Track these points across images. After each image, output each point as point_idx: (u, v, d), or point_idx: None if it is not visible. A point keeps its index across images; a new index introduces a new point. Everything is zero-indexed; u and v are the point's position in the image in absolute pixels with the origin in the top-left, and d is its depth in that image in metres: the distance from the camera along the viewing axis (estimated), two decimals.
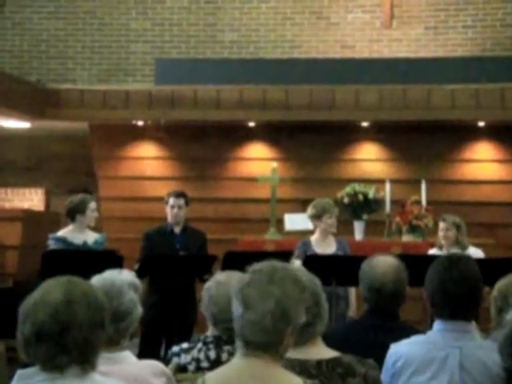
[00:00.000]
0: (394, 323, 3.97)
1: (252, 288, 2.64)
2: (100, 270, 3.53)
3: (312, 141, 10.89)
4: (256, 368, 2.64)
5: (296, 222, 9.21)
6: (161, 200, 7.89)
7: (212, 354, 3.99)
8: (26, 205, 12.39)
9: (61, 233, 7.49)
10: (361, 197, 9.51)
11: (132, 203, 10.82)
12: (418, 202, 9.49)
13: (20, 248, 10.09)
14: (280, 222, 9.55)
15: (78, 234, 7.41)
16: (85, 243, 7.39)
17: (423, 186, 9.50)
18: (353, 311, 7.28)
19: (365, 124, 10.77)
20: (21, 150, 12.31)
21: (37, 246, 8.48)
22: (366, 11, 12.27)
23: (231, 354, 3.84)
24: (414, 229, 9.35)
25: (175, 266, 7.18)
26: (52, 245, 7.33)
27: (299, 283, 2.72)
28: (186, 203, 7.71)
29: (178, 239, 7.58)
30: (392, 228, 9.49)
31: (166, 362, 4.00)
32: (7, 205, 12.47)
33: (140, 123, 11.00)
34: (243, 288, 2.66)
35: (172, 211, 7.60)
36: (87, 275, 3.43)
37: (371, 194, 9.55)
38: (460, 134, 10.70)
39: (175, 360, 4.05)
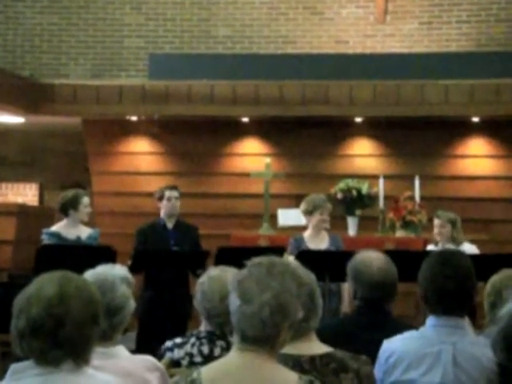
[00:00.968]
0: (386, 319, 3.97)
1: (251, 281, 2.64)
2: (93, 265, 3.53)
3: (305, 136, 10.89)
4: (252, 362, 2.64)
5: (289, 217, 9.21)
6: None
7: (205, 349, 3.99)
8: (20, 200, 12.38)
9: (54, 228, 7.49)
10: (354, 192, 9.52)
11: (126, 198, 10.81)
12: (412, 198, 9.50)
13: (14, 243, 10.08)
14: (273, 218, 9.55)
15: (72, 229, 7.42)
16: (78, 238, 7.39)
17: (417, 182, 9.50)
18: (346, 307, 7.27)
19: (358, 119, 10.77)
20: (14, 145, 12.30)
21: (31, 240, 8.48)
22: (359, 6, 12.26)
23: (224, 349, 3.84)
24: (407, 224, 9.36)
25: (168, 261, 7.20)
26: (46, 240, 7.33)
27: (298, 279, 2.72)
28: (179, 195, 7.77)
29: (171, 234, 7.60)
30: (385, 224, 9.49)
31: (160, 356, 4.00)
32: (1, 199, 12.46)
33: (134, 118, 10.99)
34: (242, 281, 2.66)
35: (169, 203, 7.63)
36: (81, 270, 3.43)
37: (365, 189, 9.56)
38: (454, 129, 10.71)
39: (168, 355, 4.05)
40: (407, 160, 10.82)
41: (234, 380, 2.61)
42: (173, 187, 7.82)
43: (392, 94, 10.34)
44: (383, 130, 10.84)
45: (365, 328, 3.88)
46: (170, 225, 7.65)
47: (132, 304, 3.47)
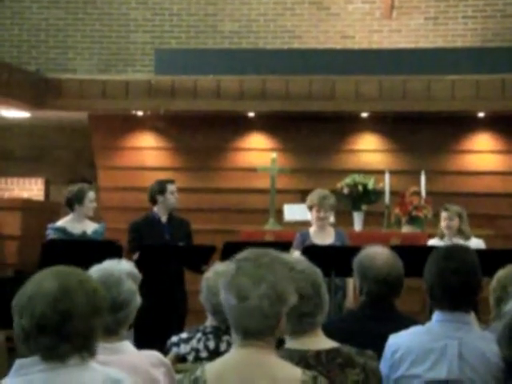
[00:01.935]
0: (392, 314, 3.98)
1: (243, 276, 2.64)
2: (99, 260, 3.53)
3: (312, 131, 10.88)
4: (256, 358, 2.64)
5: (295, 212, 9.21)
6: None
7: (211, 344, 4.01)
8: (25, 194, 12.40)
9: (60, 223, 7.50)
10: (360, 187, 9.51)
11: (131, 193, 10.81)
12: (418, 193, 9.49)
13: (20, 238, 10.10)
14: (279, 213, 9.55)
15: (77, 224, 7.43)
16: (84, 233, 7.40)
17: (423, 177, 9.50)
18: (350, 302, 7.28)
19: (364, 115, 10.76)
20: (21, 140, 12.31)
21: (37, 235, 8.49)
22: (366, 1, 12.24)
23: (230, 345, 3.83)
24: (413, 220, 9.35)
25: (173, 256, 7.19)
26: (51, 234, 7.34)
27: (287, 264, 2.74)
28: None
29: (166, 228, 7.59)
30: (391, 219, 9.49)
31: (165, 351, 4.01)
32: (7, 194, 12.47)
33: (140, 113, 10.99)
34: (233, 279, 2.65)
35: (172, 197, 7.64)
36: (86, 265, 3.43)
37: (371, 184, 9.55)
38: (460, 124, 10.69)
39: (174, 350, 4.06)
40: (413, 155, 10.80)
41: (239, 376, 2.61)
42: (172, 181, 7.82)
43: (398, 89, 10.33)
44: (389, 125, 10.82)
45: (370, 323, 3.88)
46: (164, 219, 7.64)
47: (138, 299, 3.47)
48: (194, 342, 4.03)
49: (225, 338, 4.00)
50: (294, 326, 3.08)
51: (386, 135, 10.94)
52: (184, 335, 4.11)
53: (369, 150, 10.99)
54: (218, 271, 4.05)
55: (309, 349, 3.07)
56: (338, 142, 10.97)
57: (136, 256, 6.96)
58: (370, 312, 3.96)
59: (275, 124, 10.96)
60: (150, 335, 7.15)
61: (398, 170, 10.39)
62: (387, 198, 9.38)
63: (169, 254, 7.20)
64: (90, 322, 2.55)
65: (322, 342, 3.13)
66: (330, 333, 3.20)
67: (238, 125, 11.00)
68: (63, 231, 7.36)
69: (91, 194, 7.51)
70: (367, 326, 3.87)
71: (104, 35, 12.59)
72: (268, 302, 2.61)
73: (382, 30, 12.17)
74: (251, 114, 10.87)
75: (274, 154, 9.83)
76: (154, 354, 3.46)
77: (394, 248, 4.17)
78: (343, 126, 10.89)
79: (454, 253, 3.51)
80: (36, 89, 10.58)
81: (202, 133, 11.02)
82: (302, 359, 3.03)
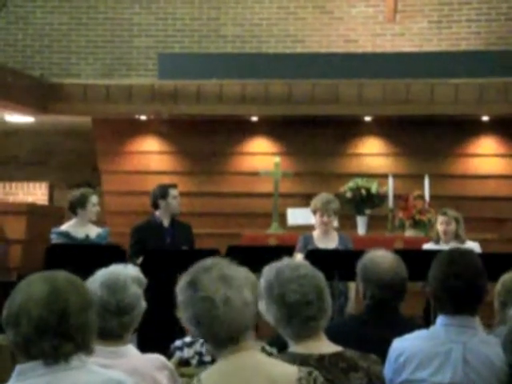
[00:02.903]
0: (396, 318, 3.97)
1: (216, 286, 2.69)
2: (103, 264, 3.53)
3: (315, 135, 10.88)
4: (249, 360, 2.67)
5: (299, 216, 9.21)
6: None
7: None
8: (29, 199, 12.41)
9: (63, 227, 7.51)
10: (364, 191, 9.51)
11: (135, 197, 10.81)
12: (421, 197, 9.49)
13: (24, 242, 10.11)
14: (283, 217, 9.55)
15: (80, 228, 7.43)
16: (87, 237, 7.41)
17: (426, 181, 9.49)
18: (351, 307, 7.26)
19: (368, 118, 10.76)
20: (25, 145, 12.32)
21: (40, 240, 8.50)
22: (369, 5, 12.25)
23: None
24: (416, 224, 9.35)
25: (176, 261, 7.18)
26: (54, 239, 7.35)
27: (237, 265, 2.78)
28: None
29: (168, 232, 7.58)
30: (395, 223, 9.49)
31: (169, 355, 4.01)
32: (11, 199, 12.48)
33: (143, 118, 11.01)
34: (209, 293, 2.68)
35: (175, 201, 7.63)
36: (90, 269, 3.44)
37: (374, 188, 9.55)
38: (464, 128, 10.69)
39: (178, 354, 4.06)
40: (417, 159, 10.80)
41: (238, 381, 2.62)
42: (174, 185, 7.82)
43: (401, 92, 10.33)
44: (393, 128, 10.82)
45: (374, 327, 3.88)
46: (166, 223, 7.63)
47: (143, 304, 3.48)
48: (197, 346, 4.04)
49: None
50: (297, 330, 3.08)
51: (390, 139, 10.94)
52: (187, 339, 4.11)
53: (372, 154, 10.99)
54: None
55: (312, 353, 3.07)
56: (341, 145, 10.97)
57: (139, 260, 6.96)
58: (374, 316, 3.96)
59: (278, 128, 10.96)
60: (153, 339, 7.15)
61: (402, 174, 10.39)
62: (391, 201, 9.38)
63: (172, 259, 7.19)
64: (86, 317, 2.57)
65: (325, 346, 3.13)
66: (333, 337, 3.20)
67: (241, 129, 11.00)
68: (67, 235, 7.36)
69: (94, 198, 7.52)
70: (371, 329, 3.87)
71: (107, 40, 12.61)
72: (251, 302, 2.69)
73: (386, 33, 12.18)
74: (254, 118, 10.87)
75: (277, 158, 9.84)
76: (157, 358, 3.46)
77: (398, 252, 4.18)
78: (346, 129, 10.89)
79: (458, 257, 3.51)
80: (40, 93, 10.60)
81: (205, 137, 11.03)
82: (304, 363, 3.03)
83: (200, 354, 4.02)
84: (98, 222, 7.78)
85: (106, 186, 11.16)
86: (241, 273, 2.76)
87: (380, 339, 3.61)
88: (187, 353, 4.05)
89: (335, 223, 7.65)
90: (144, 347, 3.89)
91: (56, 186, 12.43)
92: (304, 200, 9.47)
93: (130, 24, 12.63)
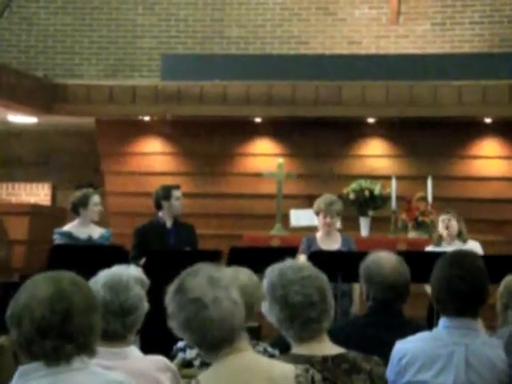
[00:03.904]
0: (399, 320, 3.97)
1: (204, 288, 2.70)
2: (106, 265, 3.53)
3: (318, 137, 10.88)
4: (246, 361, 2.68)
5: (302, 217, 9.20)
6: None
7: None
8: (32, 199, 12.42)
9: (66, 227, 7.52)
10: (367, 193, 9.50)
11: (138, 198, 10.82)
12: (424, 199, 9.48)
13: (27, 242, 10.12)
14: (286, 218, 9.55)
15: (83, 229, 7.44)
16: (90, 237, 7.41)
17: (429, 183, 9.49)
18: (355, 308, 7.26)
19: (371, 120, 10.76)
20: (28, 145, 12.34)
21: (43, 240, 8.51)
22: (372, 7, 12.25)
23: None
24: (419, 225, 9.34)
25: (179, 262, 7.18)
26: (57, 239, 7.36)
27: (218, 266, 2.83)
28: None
29: (171, 233, 7.58)
30: (398, 224, 9.48)
31: (172, 357, 4.01)
32: (14, 199, 12.50)
33: (146, 119, 11.01)
34: (197, 294, 2.69)
35: (178, 203, 7.63)
36: (93, 270, 3.44)
37: (377, 190, 9.55)
38: (467, 130, 10.68)
39: (180, 355, 4.06)
40: (420, 161, 10.80)
41: (237, 382, 2.63)
42: (178, 186, 7.82)
43: (405, 94, 10.33)
44: (396, 130, 10.82)
45: (377, 329, 3.88)
46: (169, 224, 7.63)
47: (145, 305, 3.48)
48: None
49: None
50: (299, 331, 3.08)
51: (393, 140, 10.94)
52: None
53: (375, 156, 10.99)
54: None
55: (315, 354, 3.07)
56: (344, 147, 10.97)
57: (142, 261, 6.96)
58: (377, 318, 3.96)
59: (282, 129, 10.96)
60: (155, 340, 7.15)
61: (405, 176, 10.38)
62: (394, 203, 9.37)
63: (175, 260, 7.19)
64: (89, 319, 2.56)
65: (327, 348, 3.13)
66: (335, 338, 3.20)
67: (244, 130, 11.01)
68: (69, 236, 7.37)
69: (95, 198, 7.52)
70: (373, 331, 3.87)
71: (111, 41, 12.63)
72: (242, 303, 2.71)
73: (389, 35, 12.18)
74: (258, 120, 10.88)
75: (280, 160, 9.83)
76: (160, 359, 3.46)
77: (401, 253, 4.17)
78: (350, 131, 10.89)
79: (460, 259, 3.51)
80: (43, 94, 10.61)
81: (209, 138, 11.04)
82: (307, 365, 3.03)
83: (202, 356, 4.01)
84: (101, 223, 7.79)
85: (109, 186, 11.16)
86: (227, 274, 2.79)
87: (383, 341, 3.61)
88: (190, 354, 4.05)
89: (338, 224, 7.65)
90: (146, 348, 3.90)
91: (59, 187, 12.44)
92: (307, 201, 9.48)
93: (133, 25, 12.64)
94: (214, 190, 11.03)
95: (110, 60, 12.61)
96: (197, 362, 4.01)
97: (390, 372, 3.42)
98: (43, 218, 10.37)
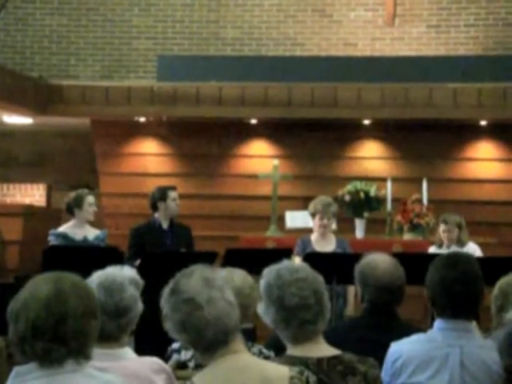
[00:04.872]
0: (394, 322, 3.97)
1: (198, 288, 2.71)
2: (101, 266, 3.53)
3: (314, 138, 10.88)
4: (241, 362, 2.68)
5: (297, 219, 9.21)
6: None
7: None
8: (27, 200, 12.40)
9: (61, 229, 7.51)
10: (362, 195, 9.51)
11: (133, 199, 10.82)
12: (420, 201, 9.49)
13: (21, 243, 10.09)
14: (281, 220, 9.55)
15: (79, 230, 7.43)
16: (85, 239, 7.40)
17: (424, 185, 9.50)
18: (350, 310, 7.26)
19: (367, 122, 10.76)
20: (23, 146, 12.32)
21: (38, 241, 8.48)
22: (368, 9, 12.26)
23: None
24: (415, 227, 9.35)
25: (175, 263, 7.17)
26: (53, 241, 7.35)
27: (211, 267, 2.84)
28: None
29: (167, 235, 7.57)
30: (393, 226, 9.49)
31: (166, 358, 4.00)
32: (9, 200, 12.47)
33: (142, 120, 11.00)
34: (191, 294, 2.70)
35: (174, 204, 7.61)
36: (88, 271, 3.43)
37: (372, 191, 9.55)
38: (462, 132, 10.70)
39: (175, 357, 4.06)
40: (415, 163, 10.81)
41: (231, 383, 2.63)
42: (174, 187, 7.81)
43: (400, 96, 10.33)
44: (391, 132, 10.83)
45: (372, 331, 3.88)
46: (165, 225, 7.62)
47: (140, 306, 3.47)
48: None
49: None
50: (295, 333, 3.08)
51: (388, 142, 10.95)
52: None
53: (371, 158, 10.99)
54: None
55: (310, 356, 3.07)
56: (339, 149, 10.97)
57: (137, 262, 6.95)
58: (372, 320, 3.96)
59: (277, 131, 10.96)
60: (150, 342, 7.13)
61: (400, 178, 10.39)
62: (389, 205, 9.39)
63: (170, 261, 7.18)
64: (85, 324, 2.55)
65: (323, 350, 3.13)
66: (331, 340, 3.20)
67: (240, 131, 11.00)
68: (65, 237, 7.36)
69: (90, 198, 7.52)
70: (368, 333, 3.87)
71: (107, 42, 12.62)
72: (237, 303, 2.73)
73: (385, 37, 12.19)
74: (253, 121, 10.88)
75: (275, 161, 9.84)
76: (154, 361, 3.45)
77: (396, 255, 4.17)
78: (345, 133, 10.90)
79: (455, 261, 3.51)
80: (39, 95, 10.59)
81: (204, 139, 11.03)
82: (302, 366, 3.03)
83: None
84: (95, 224, 7.78)
85: (104, 187, 11.15)
86: (221, 275, 2.80)
87: (378, 343, 3.61)
88: (184, 355, 4.05)
89: (333, 226, 7.66)
90: (141, 350, 3.89)
91: (54, 188, 12.42)
92: (302, 203, 9.48)
93: (129, 26, 12.64)
94: (209, 191, 11.02)
95: (105, 61, 12.60)
96: (191, 364, 4.01)
97: (384, 374, 3.42)
98: (38, 218, 10.36)
